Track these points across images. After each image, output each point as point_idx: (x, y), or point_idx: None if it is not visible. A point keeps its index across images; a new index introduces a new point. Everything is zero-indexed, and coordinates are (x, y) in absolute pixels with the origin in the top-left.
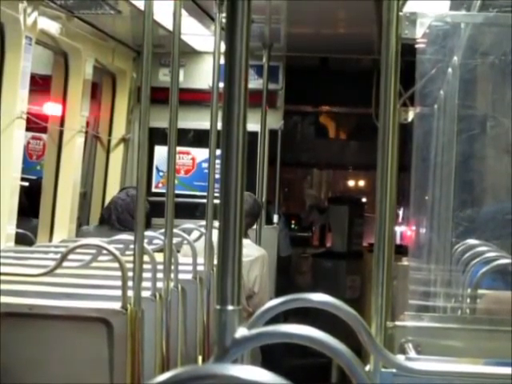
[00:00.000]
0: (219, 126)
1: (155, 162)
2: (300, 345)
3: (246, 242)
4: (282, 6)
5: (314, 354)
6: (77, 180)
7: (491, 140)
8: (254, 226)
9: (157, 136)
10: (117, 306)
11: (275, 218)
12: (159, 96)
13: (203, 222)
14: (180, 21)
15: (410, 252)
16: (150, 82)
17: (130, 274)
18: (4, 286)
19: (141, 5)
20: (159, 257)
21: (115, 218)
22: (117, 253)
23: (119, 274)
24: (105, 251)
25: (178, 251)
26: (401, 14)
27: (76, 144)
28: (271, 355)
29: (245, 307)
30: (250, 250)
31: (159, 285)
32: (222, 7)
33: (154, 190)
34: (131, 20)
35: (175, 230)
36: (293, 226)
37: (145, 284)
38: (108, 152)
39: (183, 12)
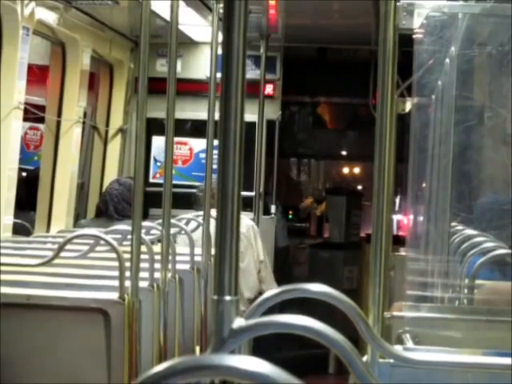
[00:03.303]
0: (217, 116)
1: (153, 153)
2: (298, 335)
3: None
4: None
5: (312, 344)
6: (74, 170)
7: (489, 130)
8: (253, 216)
9: (154, 126)
10: (114, 296)
11: (272, 208)
12: (157, 86)
13: (201, 213)
14: (178, 11)
15: (408, 242)
16: (148, 73)
17: (128, 264)
18: (1, 277)
19: None
20: (157, 247)
21: (113, 209)
22: (114, 243)
23: (117, 264)
24: (102, 241)
25: (176, 241)
26: (398, 4)
27: (73, 134)
28: (269, 346)
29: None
30: (244, 220)
31: (157, 275)
32: None
33: (151, 180)
34: (129, 10)
35: (173, 221)
36: (290, 216)
37: (142, 274)
38: (105, 143)
39: (181, 2)
